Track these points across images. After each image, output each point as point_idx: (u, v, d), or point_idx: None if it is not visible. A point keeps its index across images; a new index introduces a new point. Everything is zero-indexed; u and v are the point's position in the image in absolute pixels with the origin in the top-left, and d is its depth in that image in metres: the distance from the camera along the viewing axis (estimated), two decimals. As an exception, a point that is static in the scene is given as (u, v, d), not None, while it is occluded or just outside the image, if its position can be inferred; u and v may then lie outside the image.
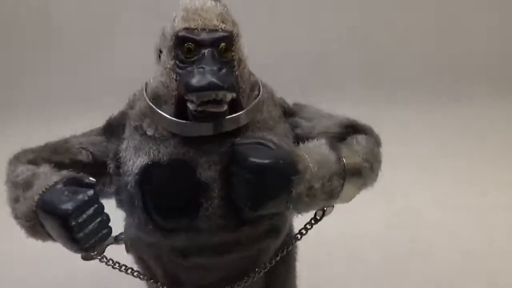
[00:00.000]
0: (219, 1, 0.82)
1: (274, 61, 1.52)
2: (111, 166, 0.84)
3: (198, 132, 0.79)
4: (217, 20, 0.79)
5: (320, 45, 1.56)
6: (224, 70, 0.75)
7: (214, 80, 0.73)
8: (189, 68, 0.77)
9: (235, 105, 0.79)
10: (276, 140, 0.80)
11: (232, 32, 0.79)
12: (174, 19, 0.80)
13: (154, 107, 0.81)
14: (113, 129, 0.87)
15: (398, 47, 1.85)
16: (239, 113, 0.80)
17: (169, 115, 0.80)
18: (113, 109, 0.88)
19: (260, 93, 0.85)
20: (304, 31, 1.56)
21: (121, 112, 0.89)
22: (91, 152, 0.85)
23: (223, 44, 0.78)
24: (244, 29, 0.81)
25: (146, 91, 0.85)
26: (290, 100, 0.91)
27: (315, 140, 0.81)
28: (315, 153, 0.77)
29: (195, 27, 0.78)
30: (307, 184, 0.74)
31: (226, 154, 0.78)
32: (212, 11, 0.79)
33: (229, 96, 0.75)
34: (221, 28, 0.78)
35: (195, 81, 0.74)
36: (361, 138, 0.84)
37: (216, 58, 0.77)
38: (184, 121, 0.78)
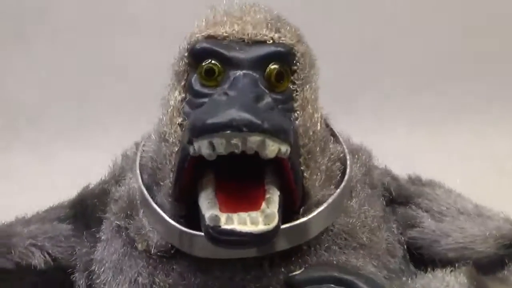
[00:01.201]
0: (275, 14, 0.51)
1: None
2: (80, 284, 0.53)
3: (226, 252, 0.45)
4: (267, 27, 0.47)
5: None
6: (267, 101, 0.43)
7: (242, 113, 0.39)
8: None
9: (291, 199, 0.46)
10: (374, 270, 0.47)
11: (293, 48, 0.47)
12: (193, 31, 0.49)
13: (148, 197, 0.49)
14: (86, 215, 0.55)
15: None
16: (304, 218, 0.46)
17: (169, 210, 0.47)
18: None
19: (347, 172, 0.51)
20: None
21: (101, 185, 0.57)
22: (49, 254, 0.53)
23: (274, 66, 0.45)
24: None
25: (140, 158, 0.53)
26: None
27: (453, 277, 0.48)
28: None
29: (226, 34, 0.46)
30: None
31: None
32: (258, 14, 0.48)
33: (274, 147, 0.41)
34: (272, 38, 0.46)
35: (208, 115, 0.41)
36: None
37: (256, 84, 0.44)
38: (198, 233, 0.44)
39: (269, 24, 0.47)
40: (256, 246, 0.43)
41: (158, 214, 0.47)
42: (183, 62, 0.47)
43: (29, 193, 0.93)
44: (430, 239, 0.53)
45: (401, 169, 0.62)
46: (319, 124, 0.49)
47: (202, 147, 0.41)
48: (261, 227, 0.41)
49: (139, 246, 0.48)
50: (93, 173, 0.59)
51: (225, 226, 0.41)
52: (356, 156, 0.54)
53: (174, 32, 0.50)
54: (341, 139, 0.54)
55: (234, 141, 0.40)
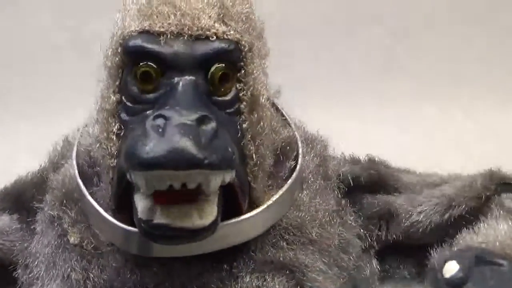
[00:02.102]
0: None
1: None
2: (24, 280, 0.48)
3: (166, 250, 0.42)
4: (209, 17, 0.41)
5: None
6: (210, 125, 0.37)
7: (182, 145, 0.35)
8: (147, 113, 0.40)
9: (236, 205, 0.43)
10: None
11: (240, 43, 0.42)
12: (125, 14, 0.43)
13: (83, 189, 0.45)
14: (26, 207, 0.51)
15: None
16: (250, 214, 0.43)
17: (106, 207, 0.44)
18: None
19: (299, 163, 0.48)
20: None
21: (39, 174, 0.53)
22: None
23: (218, 66, 0.41)
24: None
25: (79, 144, 0.49)
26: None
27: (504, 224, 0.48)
28: None
29: (162, 30, 0.41)
30: None
31: None
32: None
33: (218, 180, 0.38)
34: (216, 33, 0.41)
35: (144, 146, 0.36)
36: None
37: (198, 97, 0.40)
38: (137, 230, 0.41)
39: (212, 13, 0.41)
40: (190, 242, 0.39)
41: (97, 211, 0.44)
42: (116, 59, 0.42)
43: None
44: (411, 220, 0.52)
45: (369, 151, 0.61)
46: (270, 126, 0.44)
47: (138, 180, 0.37)
48: (197, 222, 0.38)
49: (71, 240, 0.45)
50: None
51: (158, 220, 0.37)
52: (310, 145, 0.51)
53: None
54: (293, 125, 0.51)
55: (172, 181, 0.37)
